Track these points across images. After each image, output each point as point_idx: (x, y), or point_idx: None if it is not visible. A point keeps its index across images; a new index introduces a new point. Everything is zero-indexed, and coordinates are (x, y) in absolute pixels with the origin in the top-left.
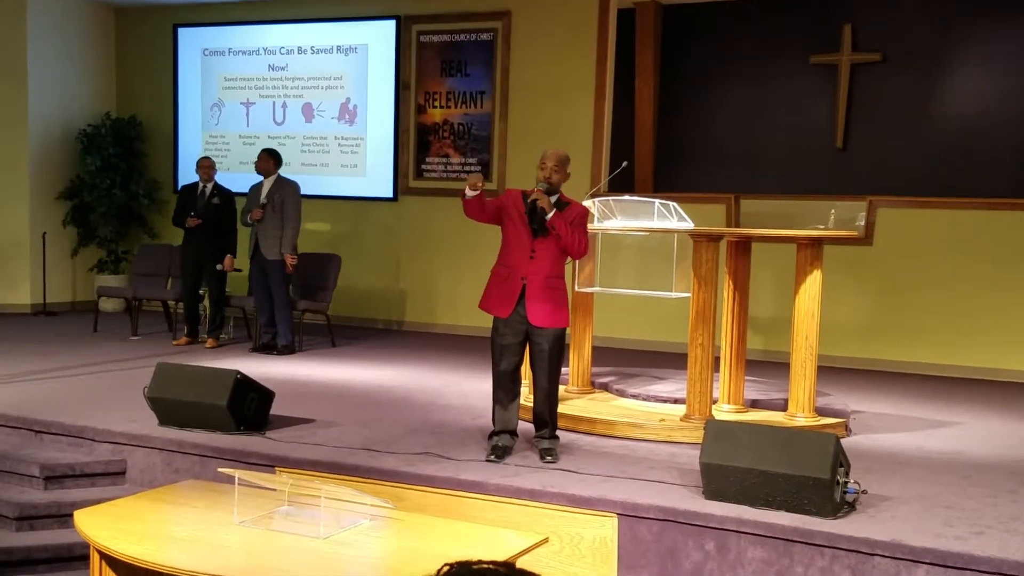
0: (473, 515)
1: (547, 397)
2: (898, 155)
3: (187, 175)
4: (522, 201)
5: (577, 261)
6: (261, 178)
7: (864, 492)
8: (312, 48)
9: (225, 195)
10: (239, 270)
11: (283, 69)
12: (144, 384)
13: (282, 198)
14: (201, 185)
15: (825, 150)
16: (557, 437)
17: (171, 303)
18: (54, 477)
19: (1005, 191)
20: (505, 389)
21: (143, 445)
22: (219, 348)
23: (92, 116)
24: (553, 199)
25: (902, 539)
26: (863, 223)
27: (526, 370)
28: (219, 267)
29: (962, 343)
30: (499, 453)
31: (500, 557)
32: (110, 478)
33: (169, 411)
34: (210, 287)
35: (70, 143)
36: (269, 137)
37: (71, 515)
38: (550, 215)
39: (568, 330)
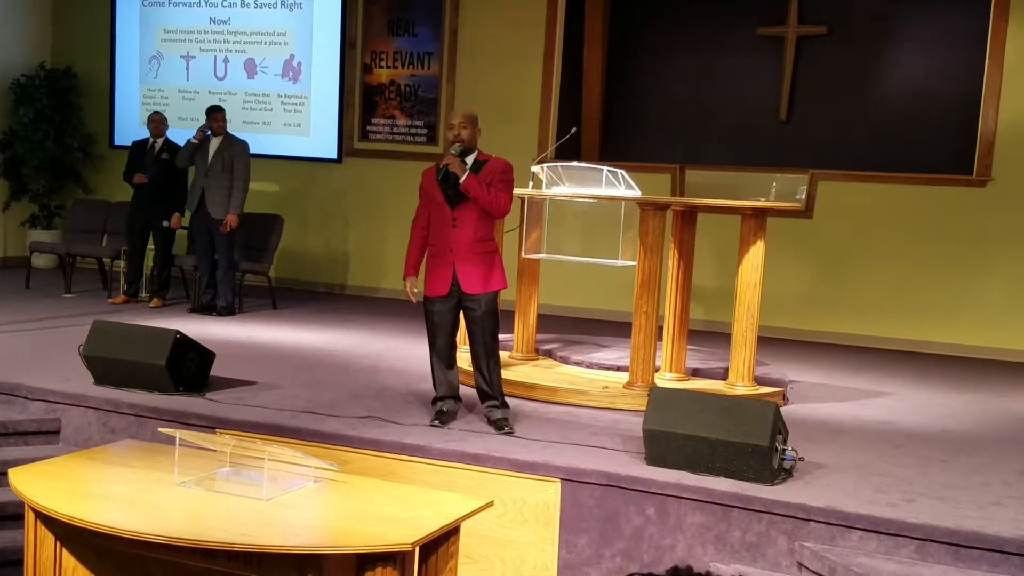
0: (418, 479)
1: (490, 372)
2: (840, 129)
3: (123, 129)
4: (436, 173)
5: (526, 228)
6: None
7: (801, 459)
8: (255, 2)
9: (175, 151)
10: (186, 228)
11: (225, 23)
12: (79, 342)
13: (231, 156)
14: (151, 140)
15: (769, 122)
16: (508, 406)
17: (106, 260)
18: None
19: (944, 167)
20: (443, 358)
21: (78, 404)
22: (158, 308)
23: (26, 66)
24: (470, 158)
25: (837, 505)
26: (804, 196)
27: (463, 336)
28: (165, 224)
29: (896, 316)
30: (443, 419)
31: (446, 520)
32: (44, 437)
33: (105, 370)
34: (156, 246)
35: (2, 93)
36: (210, 92)
37: (3, 474)
38: (463, 178)
39: (499, 295)
